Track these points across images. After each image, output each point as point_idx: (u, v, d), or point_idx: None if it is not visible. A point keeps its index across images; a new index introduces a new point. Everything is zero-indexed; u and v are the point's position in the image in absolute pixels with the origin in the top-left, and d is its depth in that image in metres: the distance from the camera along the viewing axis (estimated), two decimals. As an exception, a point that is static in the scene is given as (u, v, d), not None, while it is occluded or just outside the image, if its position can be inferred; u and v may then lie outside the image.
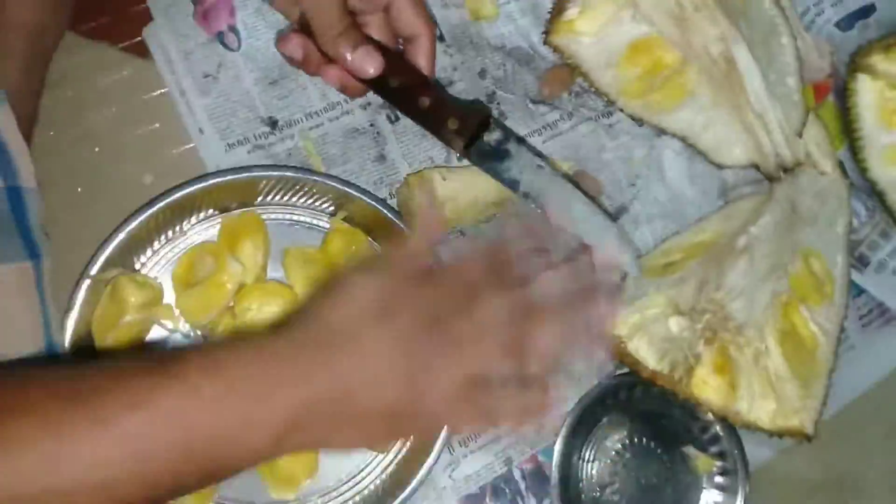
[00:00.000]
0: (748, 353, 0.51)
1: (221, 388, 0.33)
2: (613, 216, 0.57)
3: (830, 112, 0.60)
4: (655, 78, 0.55)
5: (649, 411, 0.57)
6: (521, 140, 0.55)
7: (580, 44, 0.54)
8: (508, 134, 0.49)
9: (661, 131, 0.59)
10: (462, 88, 0.58)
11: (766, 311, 0.52)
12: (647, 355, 0.51)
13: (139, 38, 0.56)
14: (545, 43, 0.56)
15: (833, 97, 0.60)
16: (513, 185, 0.49)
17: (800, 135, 0.55)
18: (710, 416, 0.54)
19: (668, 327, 0.52)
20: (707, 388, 0.51)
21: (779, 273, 0.53)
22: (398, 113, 0.56)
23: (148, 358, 0.35)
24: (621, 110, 0.58)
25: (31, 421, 0.30)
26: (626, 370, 0.54)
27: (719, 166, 0.59)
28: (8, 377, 0.33)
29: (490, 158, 0.48)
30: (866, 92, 0.55)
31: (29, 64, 0.49)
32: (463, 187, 0.53)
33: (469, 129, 0.47)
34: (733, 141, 0.57)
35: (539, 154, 0.54)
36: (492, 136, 0.48)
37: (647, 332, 0.52)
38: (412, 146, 0.58)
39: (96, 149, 0.55)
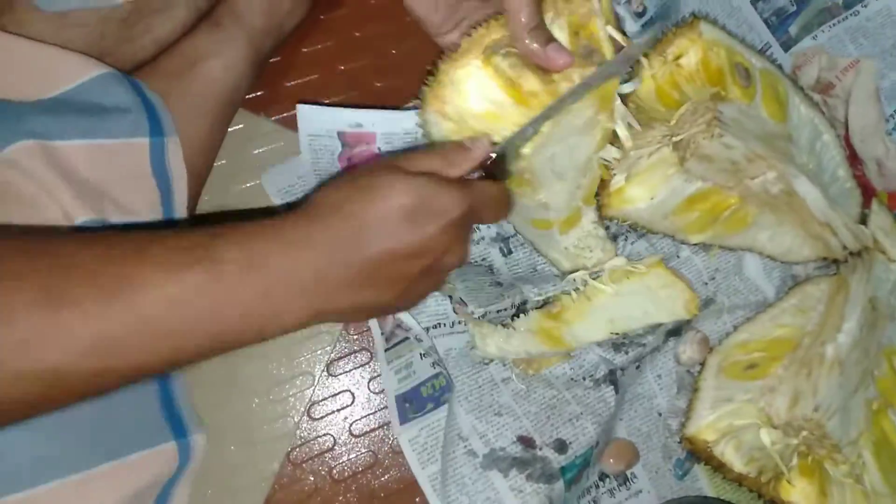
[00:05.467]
0: (844, 468, 0.53)
1: (256, 289, 0.34)
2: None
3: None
4: (715, 217, 0.56)
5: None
6: None
7: (635, 209, 0.54)
8: None
9: (725, 248, 0.60)
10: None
11: (860, 424, 0.55)
12: (734, 459, 0.53)
13: (292, 112, 0.57)
14: (601, 216, 0.55)
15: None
16: None
17: (863, 222, 0.57)
18: None
19: (759, 437, 0.54)
20: (795, 492, 0.52)
21: (867, 380, 0.56)
22: (510, 246, 0.59)
23: (179, 243, 0.34)
24: (683, 243, 0.59)
25: (22, 288, 0.30)
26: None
27: (789, 264, 0.61)
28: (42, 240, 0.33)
29: None
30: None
31: (215, 124, 0.52)
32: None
33: None
34: (800, 245, 0.59)
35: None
36: None
37: (736, 439, 0.55)
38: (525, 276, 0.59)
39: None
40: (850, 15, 0.64)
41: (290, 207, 0.55)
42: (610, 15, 0.47)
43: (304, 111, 0.54)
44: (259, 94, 0.61)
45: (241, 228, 0.35)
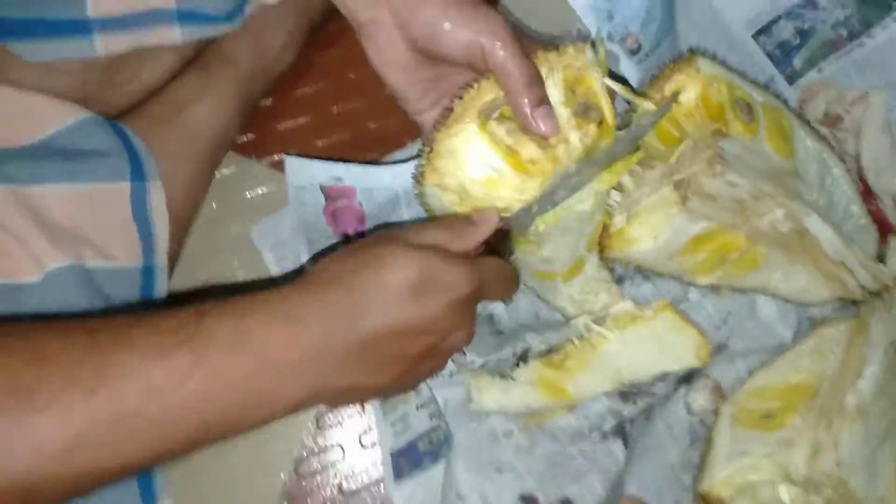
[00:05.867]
0: (871, 527, 0.49)
1: (246, 368, 0.32)
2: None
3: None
4: (723, 258, 0.54)
5: None
6: None
7: (638, 251, 0.52)
8: None
9: (737, 290, 0.58)
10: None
11: (888, 480, 0.51)
12: None
13: (284, 155, 0.57)
14: (602, 258, 0.54)
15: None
16: None
17: (882, 260, 0.55)
18: None
19: (778, 494, 0.51)
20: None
21: (895, 431, 0.52)
22: None
23: (163, 324, 0.32)
24: (691, 285, 0.57)
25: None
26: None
27: (805, 305, 0.59)
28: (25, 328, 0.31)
29: None
30: None
31: (201, 168, 0.52)
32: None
33: None
34: (816, 285, 0.57)
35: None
36: None
37: (753, 495, 0.52)
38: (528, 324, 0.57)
39: (235, 262, 0.57)
40: (856, 47, 0.63)
41: (284, 273, 0.56)
42: (605, 67, 0.46)
43: (291, 163, 0.54)
44: (250, 137, 0.60)
45: (231, 304, 0.33)
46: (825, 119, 0.63)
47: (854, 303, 0.58)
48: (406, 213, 0.57)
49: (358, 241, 0.39)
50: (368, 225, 0.56)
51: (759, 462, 0.52)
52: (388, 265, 0.35)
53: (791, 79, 0.65)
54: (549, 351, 0.55)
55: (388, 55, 0.45)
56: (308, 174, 0.55)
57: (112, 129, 0.46)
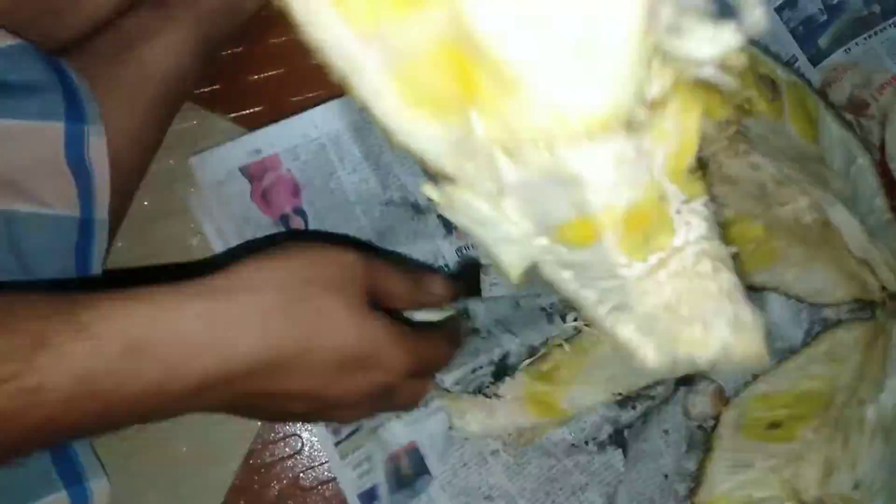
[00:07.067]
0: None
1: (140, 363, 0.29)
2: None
3: None
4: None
5: None
6: None
7: None
8: None
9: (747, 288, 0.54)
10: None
11: None
12: None
13: (252, 110, 0.54)
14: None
15: None
16: None
17: None
18: None
19: None
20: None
21: None
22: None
23: (55, 308, 0.29)
24: None
25: None
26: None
27: (819, 306, 0.55)
28: None
29: None
30: None
31: (153, 116, 0.47)
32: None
33: None
34: (833, 284, 0.53)
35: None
36: None
37: None
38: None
39: (191, 226, 0.52)
40: (889, 26, 0.59)
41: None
42: None
43: (198, 162, 0.49)
44: (215, 87, 0.55)
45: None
46: (849, 105, 0.60)
47: (870, 304, 0.54)
48: (343, 172, 0.50)
49: (314, 258, 0.35)
50: (306, 194, 0.50)
51: (763, 476, 0.49)
52: (331, 330, 0.33)
53: (815, 60, 0.60)
54: (533, 353, 0.50)
55: None
56: (221, 163, 0.49)
57: (45, 60, 0.41)
